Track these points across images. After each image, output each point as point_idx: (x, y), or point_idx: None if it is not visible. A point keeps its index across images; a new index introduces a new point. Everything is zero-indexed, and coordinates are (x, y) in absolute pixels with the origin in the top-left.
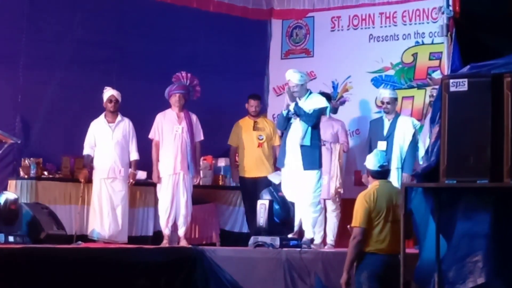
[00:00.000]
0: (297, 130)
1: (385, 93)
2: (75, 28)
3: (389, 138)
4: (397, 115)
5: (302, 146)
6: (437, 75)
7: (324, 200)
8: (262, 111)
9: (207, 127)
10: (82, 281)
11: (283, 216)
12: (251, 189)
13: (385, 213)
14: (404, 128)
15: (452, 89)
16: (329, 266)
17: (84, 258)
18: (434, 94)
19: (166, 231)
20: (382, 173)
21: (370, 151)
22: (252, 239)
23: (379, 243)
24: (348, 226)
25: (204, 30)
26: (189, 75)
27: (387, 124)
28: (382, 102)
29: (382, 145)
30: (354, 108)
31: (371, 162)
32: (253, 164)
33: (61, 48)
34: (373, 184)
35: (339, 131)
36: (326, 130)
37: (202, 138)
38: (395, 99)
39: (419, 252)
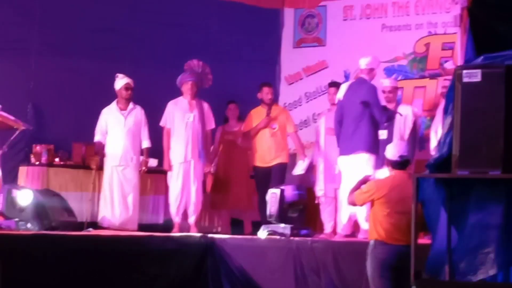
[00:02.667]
0: None
1: (386, 82)
2: (87, 15)
3: (390, 127)
4: (399, 104)
5: None
6: (449, 65)
7: (335, 189)
8: (274, 100)
9: (218, 115)
10: (92, 268)
11: None
12: (265, 178)
13: (398, 203)
14: (404, 118)
15: (465, 79)
16: (339, 255)
17: (94, 246)
18: (447, 85)
19: (176, 219)
20: (402, 163)
21: None
22: (262, 228)
23: (392, 233)
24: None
25: (217, 18)
26: (200, 63)
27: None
28: (384, 91)
29: (383, 134)
30: None
31: (391, 152)
32: (266, 153)
33: (73, 34)
34: (391, 174)
35: None
36: None
37: (213, 126)
38: (396, 88)
39: (431, 243)
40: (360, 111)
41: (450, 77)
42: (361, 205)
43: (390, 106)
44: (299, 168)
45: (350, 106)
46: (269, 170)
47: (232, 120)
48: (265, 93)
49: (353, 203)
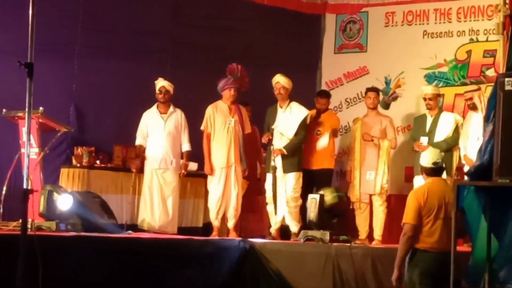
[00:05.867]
0: None
1: (427, 90)
2: (130, 18)
3: (431, 134)
4: (440, 111)
5: None
6: (491, 73)
7: (370, 195)
8: (314, 106)
9: (259, 119)
10: (131, 270)
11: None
12: (310, 181)
13: (436, 210)
14: (446, 124)
15: (507, 87)
16: (378, 262)
17: (134, 248)
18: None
19: (215, 223)
20: (436, 170)
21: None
22: (302, 233)
23: (431, 240)
24: (402, 224)
25: (259, 23)
26: (239, 66)
27: (429, 120)
28: (425, 99)
29: (424, 140)
30: (407, 104)
31: (425, 159)
32: (311, 157)
33: (116, 37)
34: (426, 181)
35: (387, 127)
36: (374, 126)
37: (250, 130)
38: (437, 95)
39: (471, 251)
40: None
41: (491, 84)
42: (416, 222)
43: (432, 113)
44: None
45: None
46: (312, 173)
47: None
48: (317, 103)
49: (406, 230)
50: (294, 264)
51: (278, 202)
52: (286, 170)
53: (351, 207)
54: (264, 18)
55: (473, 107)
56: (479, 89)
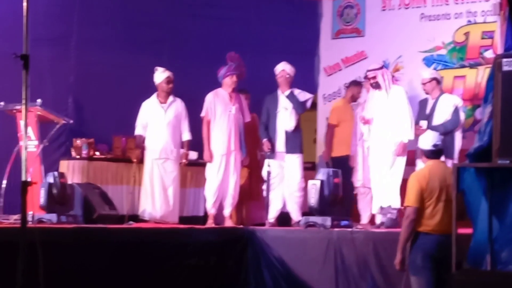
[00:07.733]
0: None
1: (424, 74)
2: (126, 9)
3: (430, 117)
4: (441, 94)
5: None
6: (489, 55)
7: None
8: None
9: (258, 107)
10: (133, 261)
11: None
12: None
13: (437, 193)
14: (445, 107)
15: (505, 68)
16: (380, 246)
17: (136, 238)
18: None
19: (212, 210)
20: (436, 152)
21: None
22: (303, 219)
23: (432, 223)
24: (403, 207)
25: (256, 10)
26: (237, 55)
27: (430, 103)
28: (423, 83)
29: (423, 123)
30: (405, 88)
31: (425, 141)
32: (347, 143)
33: (112, 28)
34: (426, 164)
35: None
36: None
37: (249, 118)
38: (433, 79)
39: (472, 233)
40: None
41: (489, 66)
42: (418, 205)
43: (433, 96)
44: None
45: None
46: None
47: None
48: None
49: (408, 213)
50: (296, 250)
51: (278, 189)
52: (289, 151)
53: (354, 192)
54: (260, 5)
55: (377, 86)
56: (381, 67)
